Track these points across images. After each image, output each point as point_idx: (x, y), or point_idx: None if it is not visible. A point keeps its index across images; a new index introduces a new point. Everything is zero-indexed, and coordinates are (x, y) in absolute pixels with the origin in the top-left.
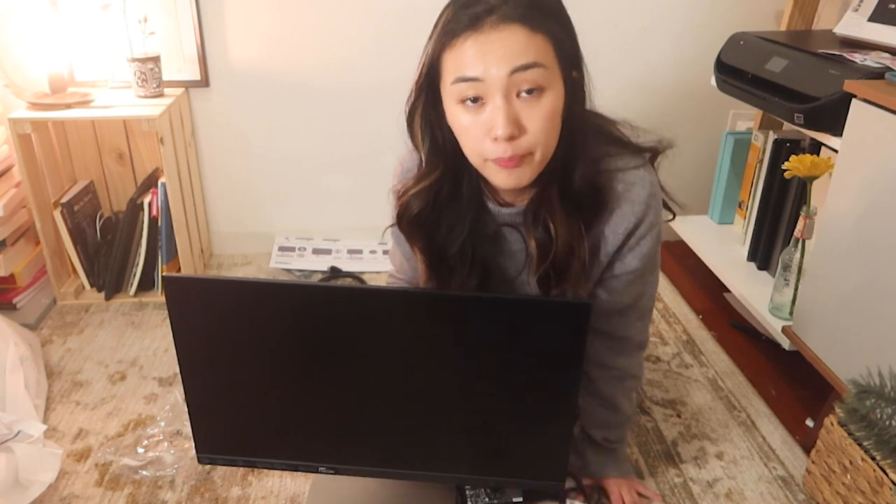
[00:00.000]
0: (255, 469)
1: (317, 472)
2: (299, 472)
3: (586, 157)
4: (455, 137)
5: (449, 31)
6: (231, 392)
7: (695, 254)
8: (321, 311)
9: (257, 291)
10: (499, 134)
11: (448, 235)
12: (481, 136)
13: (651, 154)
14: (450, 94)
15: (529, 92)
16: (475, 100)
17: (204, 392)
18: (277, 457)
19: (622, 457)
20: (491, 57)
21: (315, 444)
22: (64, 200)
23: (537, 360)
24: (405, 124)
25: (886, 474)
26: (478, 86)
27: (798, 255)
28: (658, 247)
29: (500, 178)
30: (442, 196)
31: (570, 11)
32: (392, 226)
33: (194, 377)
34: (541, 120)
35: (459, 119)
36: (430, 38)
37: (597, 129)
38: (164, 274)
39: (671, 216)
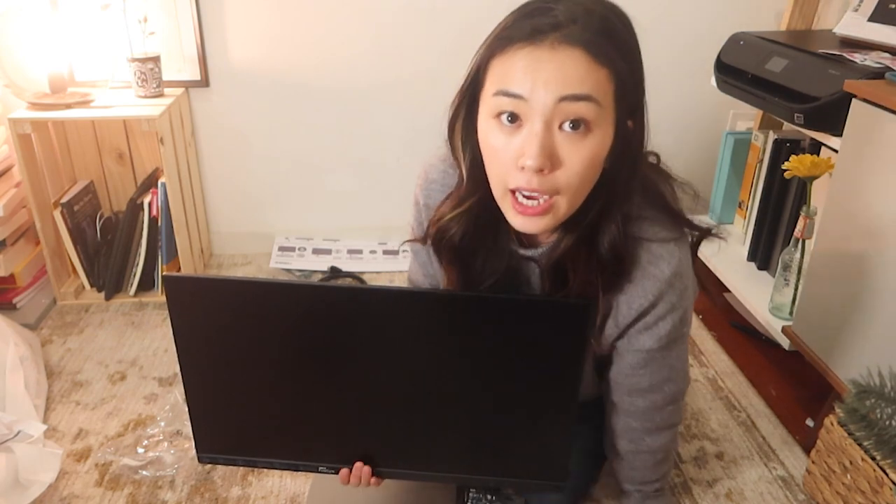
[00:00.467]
0: (256, 469)
1: (317, 471)
2: (300, 472)
3: (620, 217)
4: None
5: (505, 37)
6: (231, 392)
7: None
8: (321, 311)
9: (257, 291)
10: (528, 164)
11: (483, 267)
12: (510, 161)
13: (695, 233)
14: (487, 106)
15: (574, 127)
16: (512, 119)
17: (204, 392)
18: (278, 456)
19: (664, 500)
20: (542, 77)
21: (315, 444)
22: (64, 200)
23: (537, 360)
24: (446, 132)
25: (886, 474)
26: (519, 104)
27: (798, 255)
28: (682, 330)
29: (518, 221)
30: (481, 221)
31: None
32: (410, 241)
33: (194, 377)
34: (579, 161)
35: (490, 137)
36: (484, 41)
37: (643, 185)
38: (164, 273)
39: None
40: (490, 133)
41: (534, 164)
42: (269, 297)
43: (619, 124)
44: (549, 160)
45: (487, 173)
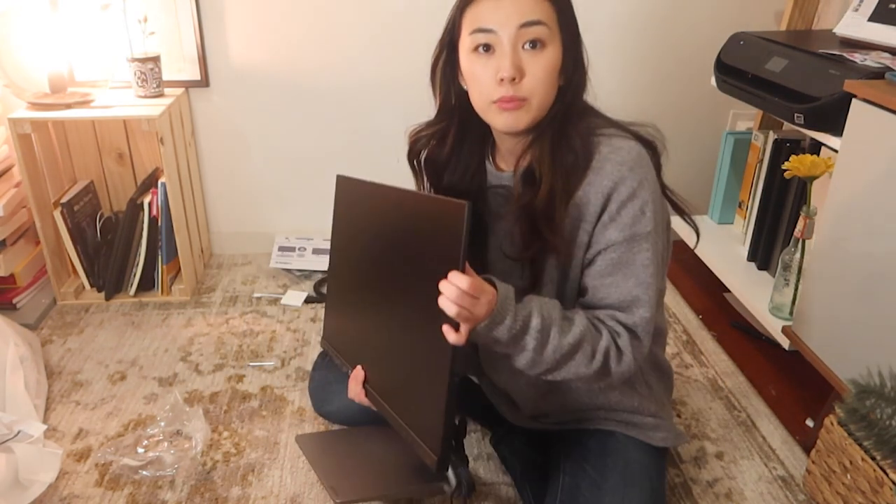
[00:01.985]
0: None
1: (344, 370)
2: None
3: (582, 121)
4: (464, 95)
5: None
6: (341, 291)
7: (695, 254)
8: (381, 208)
9: (374, 192)
10: (504, 75)
11: (453, 177)
12: (489, 79)
13: (643, 142)
14: (466, 45)
15: (533, 45)
16: (487, 48)
17: (334, 286)
18: (341, 355)
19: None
20: (504, 12)
21: (347, 342)
22: (64, 200)
23: (432, 268)
24: (429, 74)
25: (886, 474)
26: (491, 36)
27: (798, 255)
28: (644, 225)
29: (501, 120)
30: (447, 143)
31: None
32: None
33: (334, 269)
34: (539, 70)
35: (472, 67)
36: (455, 4)
37: (596, 111)
38: (338, 174)
39: (695, 238)
40: (472, 64)
41: (508, 74)
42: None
43: (565, 47)
44: (518, 71)
45: (471, 96)
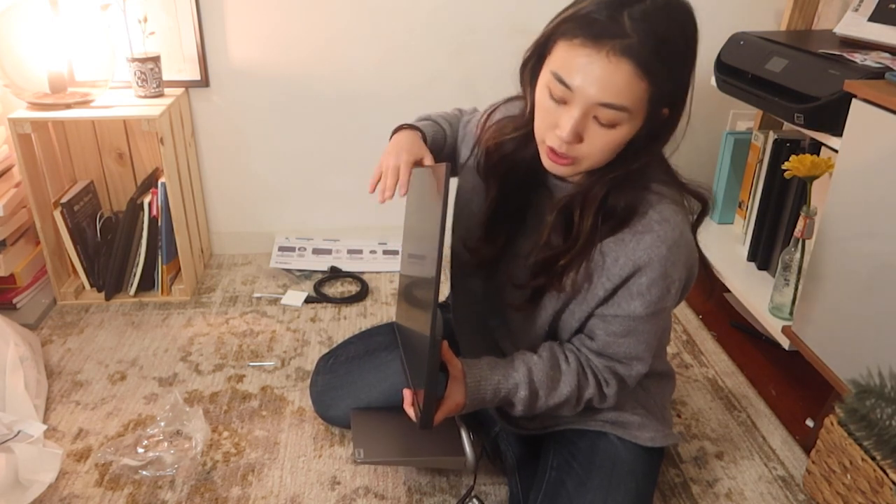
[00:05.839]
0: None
1: None
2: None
3: (641, 181)
4: None
5: (576, 26)
6: None
7: None
8: None
9: None
10: (560, 135)
11: (516, 185)
12: (549, 124)
13: (697, 197)
14: (545, 77)
15: (604, 122)
16: (560, 98)
17: None
18: None
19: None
20: (591, 78)
21: None
22: (64, 200)
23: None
24: (519, 70)
25: (886, 474)
26: (567, 92)
27: (798, 255)
28: (667, 302)
29: (548, 164)
30: (531, 148)
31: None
32: (507, 101)
33: None
34: (601, 144)
35: (542, 99)
36: (565, 8)
37: (660, 157)
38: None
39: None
40: (542, 97)
41: (565, 139)
42: None
43: (649, 115)
44: (577, 138)
45: (535, 121)
